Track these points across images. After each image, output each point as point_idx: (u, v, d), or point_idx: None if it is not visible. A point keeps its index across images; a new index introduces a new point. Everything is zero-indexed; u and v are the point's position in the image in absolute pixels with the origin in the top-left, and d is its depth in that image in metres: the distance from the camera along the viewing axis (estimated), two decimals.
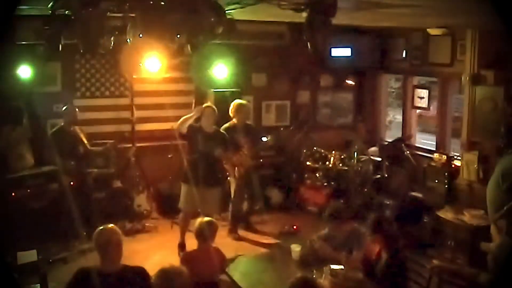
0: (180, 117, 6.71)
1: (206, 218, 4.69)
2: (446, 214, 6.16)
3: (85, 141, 6.88)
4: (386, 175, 7.53)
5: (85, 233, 6.06)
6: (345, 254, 4.55)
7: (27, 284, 4.80)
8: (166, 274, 3.29)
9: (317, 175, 7.86)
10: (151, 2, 3.40)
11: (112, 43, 3.90)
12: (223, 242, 6.49)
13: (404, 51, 8.22)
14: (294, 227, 7.20)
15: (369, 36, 8.37)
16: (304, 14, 3.39)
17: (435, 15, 5.17)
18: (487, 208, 5.20)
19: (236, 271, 4.59)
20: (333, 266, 4.28)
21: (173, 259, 5.69)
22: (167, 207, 7.38)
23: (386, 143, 8.47)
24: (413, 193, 7.11)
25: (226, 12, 3.73)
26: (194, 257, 4.51)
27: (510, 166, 4.82)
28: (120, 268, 3.56)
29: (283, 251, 5.11)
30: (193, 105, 7.55)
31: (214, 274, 4.43)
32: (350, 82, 9.11)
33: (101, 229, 3.62)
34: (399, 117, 8.71)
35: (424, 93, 8.06)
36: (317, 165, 7.84)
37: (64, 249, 6.14)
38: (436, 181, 6.96)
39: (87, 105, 7.49)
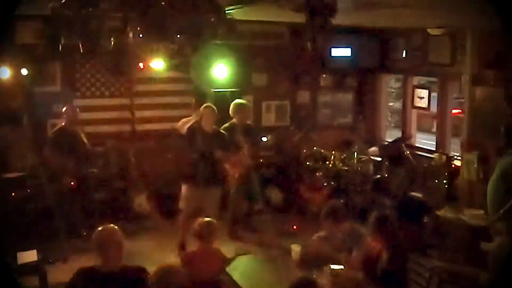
0: (180, 117, 6.74)
1: (206, 219, 4.68)
2: (446, 214, 6.16)
3: (86, 141, 6.88)
4: (386, 175, 7.52)
5: (85, 233, 6.06)
6: (345, 254, 4.54)
7: (27, 284, 4.81)
8: (163, 274, 3.29)
9: (317, 175, 7.85)
10: (151, 2, 3.40)
11: (112, 43, 3.90)
12: (223, 242, 6.51)
13: (404, 51, 8.21)
14: (294, 227, 7.20)
15: (369, 36, 8.36)
16: (304, 14, 3.39)
17: (435, 15, 5.17)
18: (487, 208, 5.21)
19: (236, 271, 4.59)
20: (333, 266, 4.27)
21: (173, 259, 5.70)
22: (167, 207, 7.38)
23: (386, 143, 8.47)
24: (413, 193, 7.11)
25: (226, 12, 3.74)
26: (194, 258, 4.51)
27: (510, 167, 4.82)
28: (120, 268, 3.56)
29: (283, 251, 5.12)
30: (193, 105, 7.55)
31: (214, 275, 4.43)
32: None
33: (101, 229, 3.62)
34: (399, 117, 8.71)
35: (424, 93, 8.06)
36: (317, 165, 7.83)
37: (64, 249, 6.14)
38: (436, 181, 6.96)
39: (87, 105, 7.49)
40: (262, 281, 4.50)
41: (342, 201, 7.08)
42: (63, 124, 6.76)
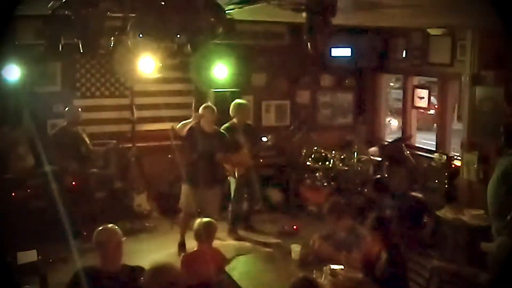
0: (180, 117, 6.73)
1: (205, 219, 4.68)
2: (446, 214, 6.16)
3: (88, 141, 6.89)
4: (386, 175, 7.53)
5: (85, 233, 6.06)
6: (345, 254, 4.54)
7: (27, 284, 4.80)
8: (156, 273, 3.29)
9: (317, 175, 7.85)
10: (151, 2, 3.41)
11: (112, 43, 3.90)
12: (223, 242, 6.52)
13: (404, 51, 8.21)
14: (294, 227, 7.20)
15: (369, 36, 8.36)
16: (304, 14, 3.39)
17: (435, 15, 5.17)
18: (487, 209, 5.21)
19: (236, 271, 4.59)
20: (333, 266, 4.27)
21: (173, 259, 5.71)
22: (167, 207, 7.38)
23: (386, 143, 8.47)
24: (413, 193, 7.11)
25: (226, 12, 3.74)
26: (194, 259, 4.51)
27: (510, 167, 4.82)
28: (120, 268, 3.56)
29: (283, 251, 5.11)
30: (193, 105, 7.55)
31: (214, 275, 4.42)
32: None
33: (101, 229, 3.63)
34: (399, 117, 8.72)
35: (424, 93, 8.07)
36: (317, 165, 7.83)
37: (64, 249, 6.14)
38: (436, 181, 6.96)
39: (87, 105, 7.49)
40: (262, 281, 4.49)
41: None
42: (65, 124, 6.77)
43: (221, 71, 6.99)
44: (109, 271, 3.51)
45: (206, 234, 4.53)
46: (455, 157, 7.09)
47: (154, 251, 6.45)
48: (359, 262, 4.39)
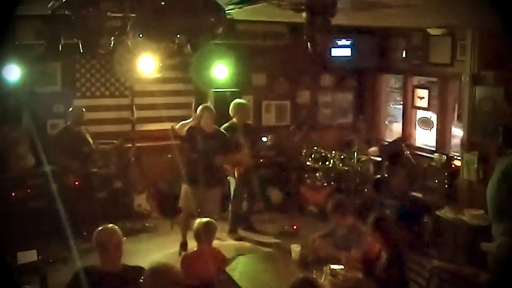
0: (180, 117, 6.73)
1: (205, 219, 4.68)
2: (446, 214, 6.16)
3: (91, 141, 6.89)
4: (386, 175, 7.53)
5: (85, 233, 6.06)
6: (345, 254, 4.55)
7: (27, 284, 4.80)
8: (155, 273, 3.29)
9: (317, 175, 7.86)
10: (151, 2, 3.40)
11: (112, 43, 3.90)
12: (223, 242, 6.52)
13: (404, 51, 8.21)
14: (294, 227, 7.20)
15: (369, 36, 8.36)
16: (304, 14, 3.39)
17: (435, 15, 5.17)
18: (487, 209, 5.21)
19: (236, 271, 4.59)
20: (333, 266, 4.28)
21: (173, 259, 5.70)
22: (167, 207, 7.38)
23: (386, 143, 8.47)
24: (413, 193, 7.11)
25: (226, 12, 3.74)
26: (194, 258, 4.51)
27: (510, 167, 4.82)
28: (120, 268, 3.56)
29: (283, 251, 5.11)
30: (193, 105, 7.55)
31: (214, 275, 4.42)
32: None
33: (101, 229, 3.62)
34: (399, 117, 8.71)
35: (424, 93, 8.06)
36: (317, 165, 7.83)
37: (64, 249, 6.14)
38: (436, 181, 6.96)
39: (87, 105, 7.48)
40: (262, 281, 4.50)
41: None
42: (68, 123, 6.78)
43: (221, 71, 6.98)
44: (109, 271, 3.51)
45: (205, 234, 4.54)
46: (455, 157, 7.09)
47: (154, 251, 6.45)
48: (359, 262, 4.40)
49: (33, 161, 6.88)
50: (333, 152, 7.80)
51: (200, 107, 6.51)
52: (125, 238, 3.70)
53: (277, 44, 8.16)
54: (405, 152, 7.58)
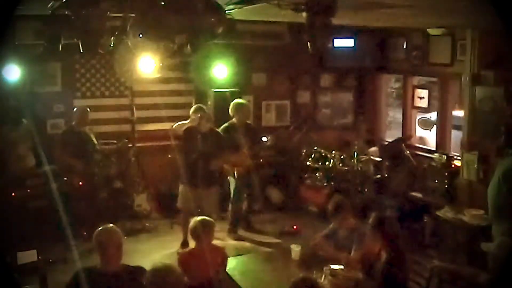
0: (180, 117, 6.72)
1: (201, 217, 4.64)
2: (446, 214, 6.16)
3: (95, 142, 6.90)
4: (386, 175, 7.53)
5: (85, 233, 6.06)
6: (345, 254, 4.55)
7: (27, 284, 4.80)
8: (158, 273, 3.29)
9: (317, 175, 7.85)
10: (151, 2, 3.40)
11: (112, 43, 3.90)
12: (223, 242, 6.51)
13: (404, 51, 8.22)
14: (294, 227, 7.20)
15: (369, 35, 8.36)
16: (304, 14, 3.39)
17: (435, 15, 5.17)
18: (487, 209, 5.20)
19: (236, 271, 4.59)
20: (333, 266, 4.28)
21: (173, 259, 5.69)
22: (167, 207, 7.38)
23: (386, 143, 8.47)
24: (413, 193, 7.11)
25: (226, 12, 3.73)
26: (191, 257, 4.47)
27: (511, 168, 4.81)
28: (120, 268, 3.56)
29: (283, 251, 5.11)
30: (193, 105, 7.55)
31: (213, 273, 4.40)
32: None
33: (101, 229, 3.63)
34: (399, 117, 8.71)
35: (424, 93, 8.06)
36: (317, 165, 7.83)
37: (64, 249, 6.14)
38: (436, 181, 6.95)
39: (87, 105, 7.48)
40: (262, 281, 4.50)
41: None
42: (72, 124, 6.79)
43: (221, 71, 6.99)
44: (109, 271, 3.51)
45: (201, 232, 4.47)
46: (455, 157, 7.09)
47: (154, 251, 6.45)
48: (359, 262, 4.39)
49: (33, 161, 6.88)
50: (333, 152, 7.80)
51: (192, 108, 6.51)
52: (125, 238, 3.70)
53: (277, 44, 8.15)
54: (405, 152, 7.58)
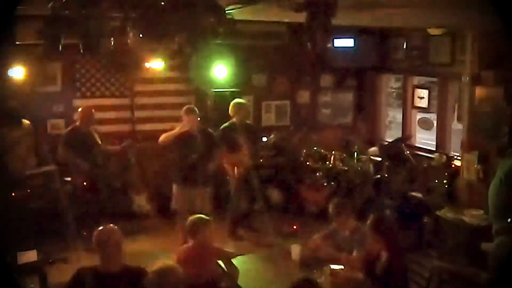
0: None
1: (197, 215, 4.61)
2: (446, 214, 6.16)
3: (99, 142, 6.90)
4: (386, 175, 7.53)
5: (85, 233, 6.06)
6: (345, 254, 4.54)
7: (27, 284, 4.80)
8: (161, 273, 3.29)
9: (317, 175, 7.85)
10: (151, 2, 3.40)
11: (112, 43, 3.90)
12: (223, 242, 6.51)
13: (404, 51, 8.21)
14: (294, 227, 7.20)
15: (369, 35, 8.36)
16: (304, 14, 3.39)
17: (435, 15, 5.17)
18: (487, 209, 5.20)
19: None
20: (333, 266, 4.28)
21: (173, 259, 5.70)
22: (167, 207, 7.37)
23: (386, 143, 8.47)
24: (413, 193, 7.11)
25: (226, 12, 3.74)
26: (188, 255, 4.44)
27: None
28: (120, 268, 3.56)
29: (283, 251, 5.11)
30: (193, 105, 7.54)
31: (211, 272, 4.38)
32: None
33: (101, 229, 3.63)
34: (399, 117, 8.71)
35: (424, 93, 8.06)
36: (317, 165, 7.83)
37: (64, 249, 6.14)
38: (436, 181, 6.96)
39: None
40: (262, 281, 4.50)
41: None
42: (76, 124, 6.79)
43: (221, 71, 6.98)
44: (109, 271, 3.51)
45: (197, 230, 4.43)
46: (455, 157, 7.09)
47: (154, 251, 6.45)
48: (359, 262, 4.39)
49: (34, 161, 6.88)
50: (333, 152, 7.80)
51: (182, 110, 6.50)
52: (125, 238, 3.70)
53: (277, 44, 8.16)
54: (405, 152, 7.58)
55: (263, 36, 7.99)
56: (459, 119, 7.19)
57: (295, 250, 4.73)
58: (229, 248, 6.18)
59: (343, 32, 7.89)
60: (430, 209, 6.57)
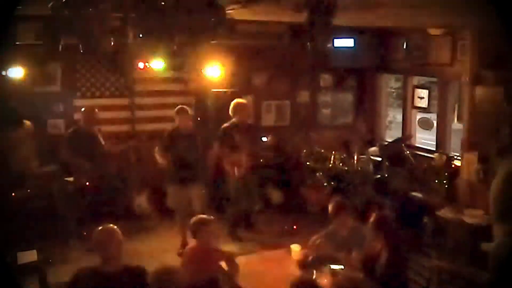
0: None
1: (200, 216, 4.62)
2: (446, 214, 6.16)
3: (103, 142, 6.89)
4: (386, 175, 7.52)
5: (85, 233, 6.06)
6: (345, 254, 4.54)
7: (27, 284, 4.80)
8: (162, 275, 3.29)
9: (317, 175, 7.85)
10: (151, 3, 3.41)
11: (112, 43, 3.90)
12: (223, 242, 6.51)
13: (404, 51, 8.21)
14: (294, 227, 7.20)
15: (369, 35, 8.36)
16: (304, 14, 3.39)
17: (435, 15, 5.17)
18: (487, 209, 5.20)
19: None
20: (333, 266, 4.28)
21: (173, 259, 5.71)
22: (167, 207, 7.37)
23: (386, 143, 8.47)
24: (413, 193, 7.11)
25: (226, 12, 3.74)
26: (193, 255, 4.46)
27: None
28: (120, 268, 3.56)
29: (283, 251, 5.11)
30: (193, 105, 7.55)
31: (212, 272, 4.38)
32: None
33: (100, 229, 3.63)
34: (399, 117, 8.71)
35: (424, 93, 8.06)
36: (317, 165, 7.83)
37: (64, 249, 6.14)
38: (436, 181, 6.96)
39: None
40: (262, 281, 4.50)
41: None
42: (80, 124, 6.79)
43: (221, 71, 6.98)
44: (109, 271, 3.51)
45: (200, 231, 4.44)
46: (455, 157, 7.09)
47: (154, 251, 6.45)
48: (359, 262, 4.39)
49: (34, 161, 6.88)
50: (333, 152, 7.80)
51: (175, 111, 6.51)
52: (125, 238, 3.70)
53: (277, 44, 8.15)
54: (405, 152, 7.58)
55: (263, 36, 7.99)
56: (459, 119, 7.21)
57: (295, 250, 4.73)
58: (229, 248, 6.19)
59: (343, 32, 7.88)
60: (430, 209, 6.57)
